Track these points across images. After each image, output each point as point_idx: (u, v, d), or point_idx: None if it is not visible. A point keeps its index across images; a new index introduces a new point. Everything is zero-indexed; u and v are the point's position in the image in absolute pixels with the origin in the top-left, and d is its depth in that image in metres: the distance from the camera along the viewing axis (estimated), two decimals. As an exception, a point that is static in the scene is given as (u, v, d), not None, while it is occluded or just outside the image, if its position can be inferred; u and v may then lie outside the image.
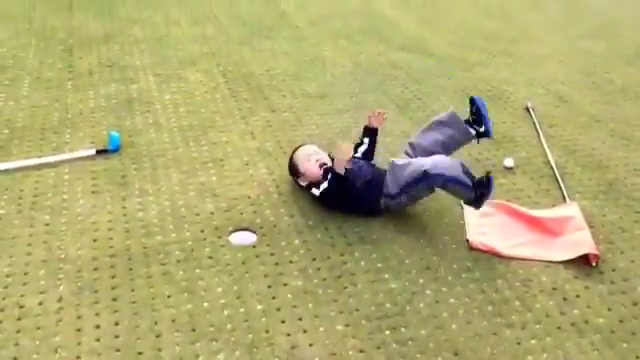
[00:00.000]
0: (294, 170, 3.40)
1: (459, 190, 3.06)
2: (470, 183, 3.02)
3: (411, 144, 3.41)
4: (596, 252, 2.94)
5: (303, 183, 3.36)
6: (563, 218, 3.18)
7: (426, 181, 3.04)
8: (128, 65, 4.98)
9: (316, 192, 3.23)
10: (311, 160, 3.35)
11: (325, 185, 3.17)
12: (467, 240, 3.06)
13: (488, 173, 3.04)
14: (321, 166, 3.30)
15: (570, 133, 4.20)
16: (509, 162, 3.71)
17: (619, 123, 4.38)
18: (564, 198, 3.42)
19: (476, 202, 3.07)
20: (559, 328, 2.57)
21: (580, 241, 3.02)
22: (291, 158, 3.44)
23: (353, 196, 3.19)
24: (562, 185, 3.52)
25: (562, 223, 3.15)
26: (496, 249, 2.99)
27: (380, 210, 3.21)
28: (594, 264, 2.91)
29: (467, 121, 3.37)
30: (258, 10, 6.52)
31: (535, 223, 3.17)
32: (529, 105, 4.49)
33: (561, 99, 4.73)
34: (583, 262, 2.93)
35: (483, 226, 3.15)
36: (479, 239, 3.05)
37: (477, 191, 3.03)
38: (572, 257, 2.94)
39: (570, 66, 5.40)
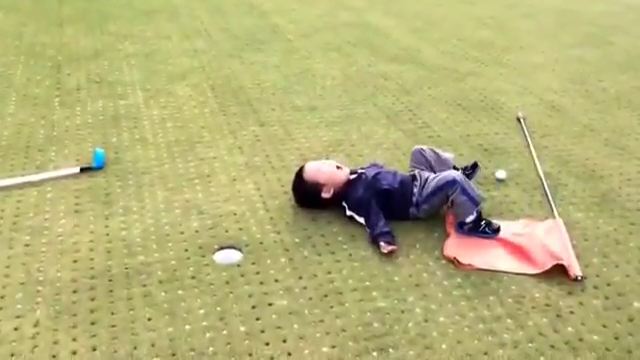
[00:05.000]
0: (313, 187, 3.26)
1: (465, 204, 3.09)
2: (478, 200, 3.12)
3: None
4: (562, 262, 2.86)
5: (328, 195, 3.26)
6: (543, 246, 3.04)
7: (445, 189, 3.10)
8: (117, 81, 4.93)
9: (345, 206, 3.25)
10: (325, 167, 3.32)
11: (361, 191, 3.20)
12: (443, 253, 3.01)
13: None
14: (338, 168, 3.32)
15: (563, 143, 4.13)
16: (501, 174, 3.64)
17: (613, 132, 4.31)
18: (552, 211, 3.34)
19: (474, 222, 3.12)
20: (553, 347, 2.48)
21: (555, 253, 2.94)
22: (301, 182, 3.30)
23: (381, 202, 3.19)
24: (550, 198, 3.44)
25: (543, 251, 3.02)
26: (473, 263, 2.93)
27: (408, 217, 3.23)
28: (579, 278, 2.82)
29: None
30: (249, 23, 6.49)
31: (515, 249, 3.06)
32: (520, 115, 4.43)
33: (554, 108, 4.67)
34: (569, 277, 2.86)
35: (459, 244, 3.07)
36: (454, 252, 2.98)
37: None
38: (544, 268, 2.87)
39: (563, 75, 5.35)
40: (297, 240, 3.07)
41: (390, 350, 2.44)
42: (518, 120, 4.40)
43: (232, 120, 4.33)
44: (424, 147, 3.51)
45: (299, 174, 3.33)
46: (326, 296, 2.71)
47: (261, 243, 3.04)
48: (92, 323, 2.51)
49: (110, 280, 2.76)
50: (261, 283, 2.77)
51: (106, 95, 4.66)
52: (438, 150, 3.53)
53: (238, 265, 2.88)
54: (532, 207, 3.40)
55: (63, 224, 3.14)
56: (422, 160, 3.44)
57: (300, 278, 2.81)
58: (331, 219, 3.23)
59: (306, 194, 3.30)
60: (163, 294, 2.68)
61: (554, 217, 3.28)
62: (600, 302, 2.73)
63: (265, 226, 3.17)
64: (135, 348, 2.40)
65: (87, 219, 3.18)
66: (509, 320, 2.61)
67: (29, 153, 3.82)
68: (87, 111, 4.40)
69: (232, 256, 2.96)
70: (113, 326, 2.50)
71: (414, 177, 3.31)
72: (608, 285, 2.84)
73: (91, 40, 5.82)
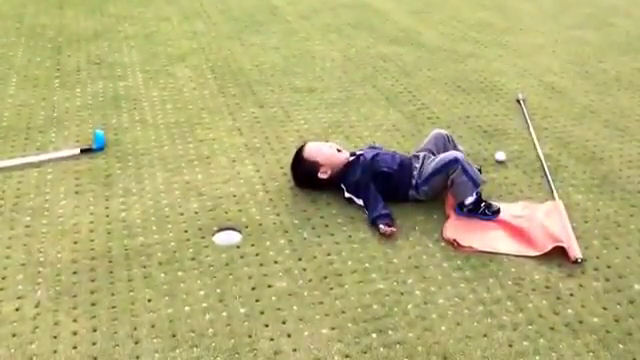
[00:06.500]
0: (311, 166, 3.25)
1: (466, 185, 3.08)
2: (478, 182, 3.11)
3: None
4: (562, 244, 2.86)
5: (325, 176, 3.25)
6: (543, 228, 3.03)
7: (447, 168, 3.09)
8: (116, 62, 4.91)
9: (344, 188, 3.24)
10: (326, 148, 3.32)
11: (359, 174, 3.19)
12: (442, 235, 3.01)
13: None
14: (338, 151, 3.31)
15: (563, 125, 4.12)
16: (500, 155, 3.63)
17: (613, 114, 4.29)
18: (552, 193, 3.34)
19: (474, 204, 3.11)
20: (552, 329, 2.49)
21: (555, 235, 2.94)
22: (300, 160, 3.29)
23: (379, 185, 3.18)
24: (550, 180, 3.44)
25: (542, 232, 3.01)
26: (472, 246, 2.92)
27: (408, 199, 3.23)
28: (579, 260, 2.82)
29: None
30: (249, 5, 6.45)
31: (515, 231, 3.06)
32: (520, 97, 4.41)
33: (554, 90, 4.65)
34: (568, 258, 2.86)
35: (458, 226, 3.07)
36: (454, 234, 2.98)
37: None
38: (544, 250, 2.87)
39: (563, 56, 5.32)
40: (296, 222, 3.07)
41: (389, 332, 2.45)
42: (518, 102, 4.38)
43: (231, 102, 4.31)
44: (446, 132, 3.48)
45: (299, 152, 3.33)
46: (325, 278, 2.71)
47: (260, 225, 3.04)
48: (92, 304, 2.52)
49: (110, 261, 2.76)
50: (260, 265, 2.77)
51: (106, 76, 4.65)
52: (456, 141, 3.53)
53: (237, 247, 2.89)
54: (532, 189, 3.40)
55: (63, 205, 3.14)
56: (440, 144, 3.39)
57: (299, 260, 2.81)
58: (330, 201, 3.23)
59: (303, 172, 3.30)
60: (163, 275, 2.68)
61: (554, 199, 3.28)
62: (600, 284, 2.73)
63: (264, 208, 3.17)
64: (135, 329, 2.41)
65: (87, 200, 3.18)
66: (509, 302, 2.61)
67: (29, 134, 3.81)
68: (87, 92, 4.38)
69: (232, 237, 2.96)
70: (113, 307, 2.51)
71: (415, 158, 3.29)
72: (608, 267, 2.84)
73: (91, 22, 5.79)
